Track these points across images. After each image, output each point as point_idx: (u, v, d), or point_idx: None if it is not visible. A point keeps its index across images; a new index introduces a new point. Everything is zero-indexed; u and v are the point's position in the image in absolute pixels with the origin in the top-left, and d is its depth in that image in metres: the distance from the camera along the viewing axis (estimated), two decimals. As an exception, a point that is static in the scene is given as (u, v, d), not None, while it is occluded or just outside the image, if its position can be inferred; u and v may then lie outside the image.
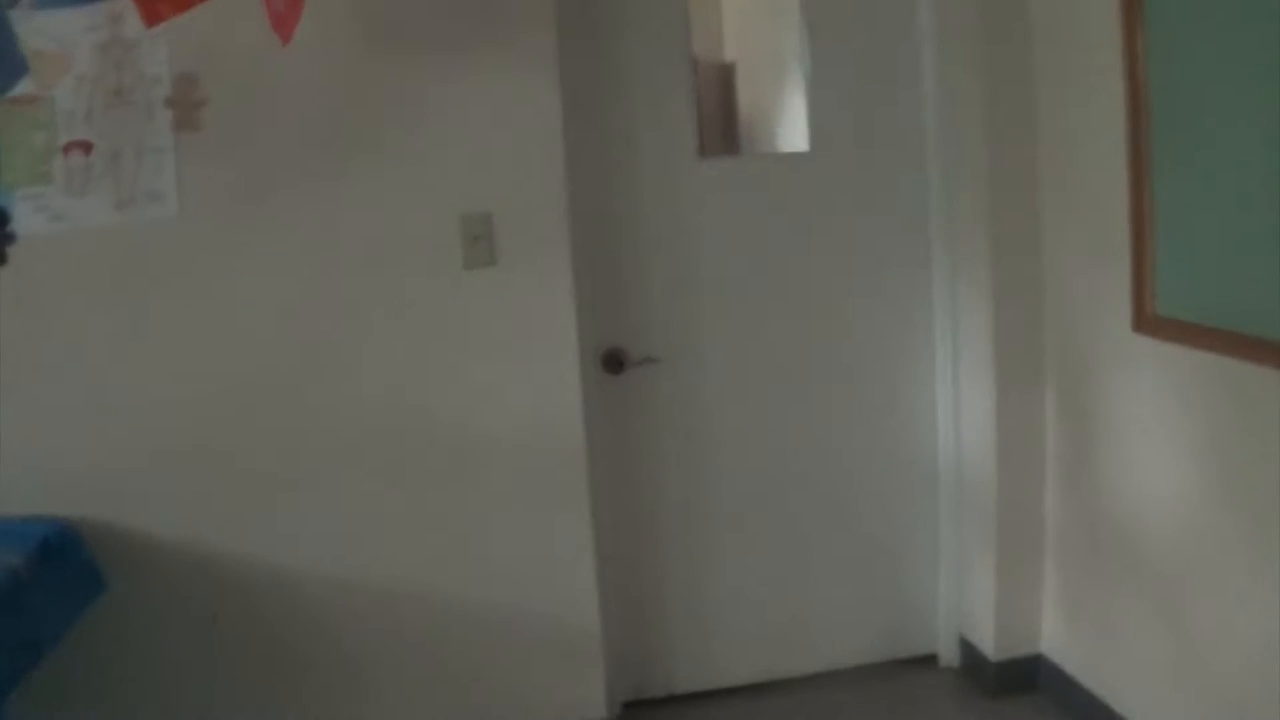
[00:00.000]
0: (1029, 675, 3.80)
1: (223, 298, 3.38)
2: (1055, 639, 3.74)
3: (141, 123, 3.28)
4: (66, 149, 3.26)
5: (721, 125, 3.90)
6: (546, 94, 3.42)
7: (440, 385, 3.50)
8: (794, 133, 3.86)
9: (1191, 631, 3.05)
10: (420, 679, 3.61)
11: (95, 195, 3.28)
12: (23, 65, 2.80)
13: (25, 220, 3.22)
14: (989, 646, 3.82)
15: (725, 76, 3.94)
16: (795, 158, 3.83)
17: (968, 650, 3.98)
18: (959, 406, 3.87)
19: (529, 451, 3.55)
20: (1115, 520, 3.36)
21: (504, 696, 3.66)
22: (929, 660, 4.09)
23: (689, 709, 3.92)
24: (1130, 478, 3.28)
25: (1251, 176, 2.62)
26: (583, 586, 3.65)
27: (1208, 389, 2.91)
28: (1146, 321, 3.09)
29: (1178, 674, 3.12)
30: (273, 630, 3.53)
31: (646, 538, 3.88)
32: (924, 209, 3.86)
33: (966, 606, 3.96)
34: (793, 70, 3.85)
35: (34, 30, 3.11)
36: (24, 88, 2.97)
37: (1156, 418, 3.13)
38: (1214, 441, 2.92)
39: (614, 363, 3.73)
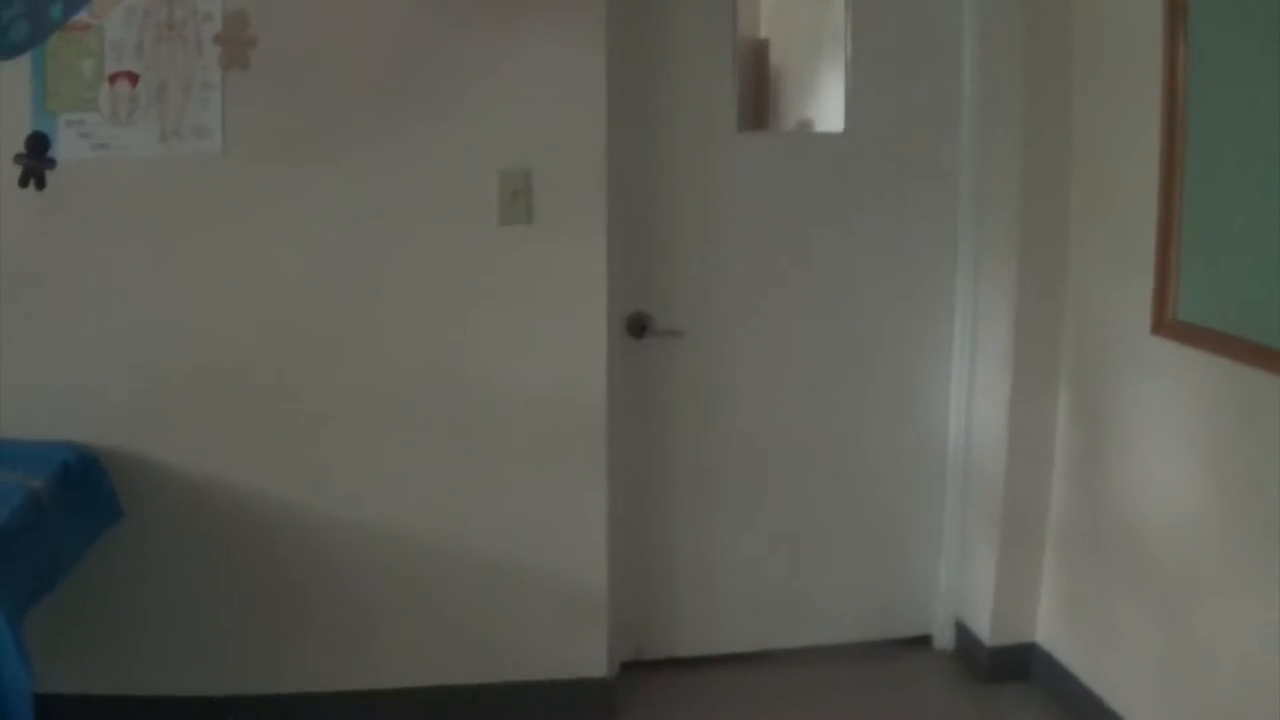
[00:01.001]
0: (1022, 663, 3.85)
1: (260, 237, 3.39)
2: (1051, 630, 3.80)
3: (190, 58, 3.28)
4: (113, 79, 3.26)
5: (754, 100, 3.93)
6: (593, 59, 3.42)
7: (468, 337, 3.52)
8: (828, 112, 3.89)
9: (1189, 633, 3.09)
10: (427, 626, 3.64)
11: (140, 126, 3.28)
12: (86, -7, 2.83)
13: (69, 147, 3.26)
14: (985, 632, 3.88)
15: (759, 52, 3.97)
16: (831, 138, 3.87)
17: (963, 634, 4.04)
18: (973, 396, 3.92)
19: (550, 409, 3.57)
20: (1119, 518, 3.40)
21: (508, 649, 3.69)
22: (924, 641, 4.16)
23: (686, 673, 3.98)
24: (1137, 477, 3.32)
25: (1282, 189, 2.66)
26: (592, 547, 3.67)
27: (1221, 394, 2.95)
28: (1166, 324, 3.12)
29: (1173, 674, 3.17)
30: (285, 569, 3.56)
31: (656, 502, 3.92)
32: (954, 199, 3.90)
33: (965, 591, 4.02)
34: (828, 50, 3.88)
35: (89, -43, 3.12)
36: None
37: (1168, 420, 3.17)
38: (1223, 446, 2.96)
39: (637, 327, 3.77)
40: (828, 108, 3.90)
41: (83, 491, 3.22)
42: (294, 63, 3.33)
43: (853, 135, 3.84)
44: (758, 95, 3.97)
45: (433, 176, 3.43)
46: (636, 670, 3.95)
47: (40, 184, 3.24)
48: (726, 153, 3.77)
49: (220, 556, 3.52)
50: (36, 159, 3.23)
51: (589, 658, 3.74)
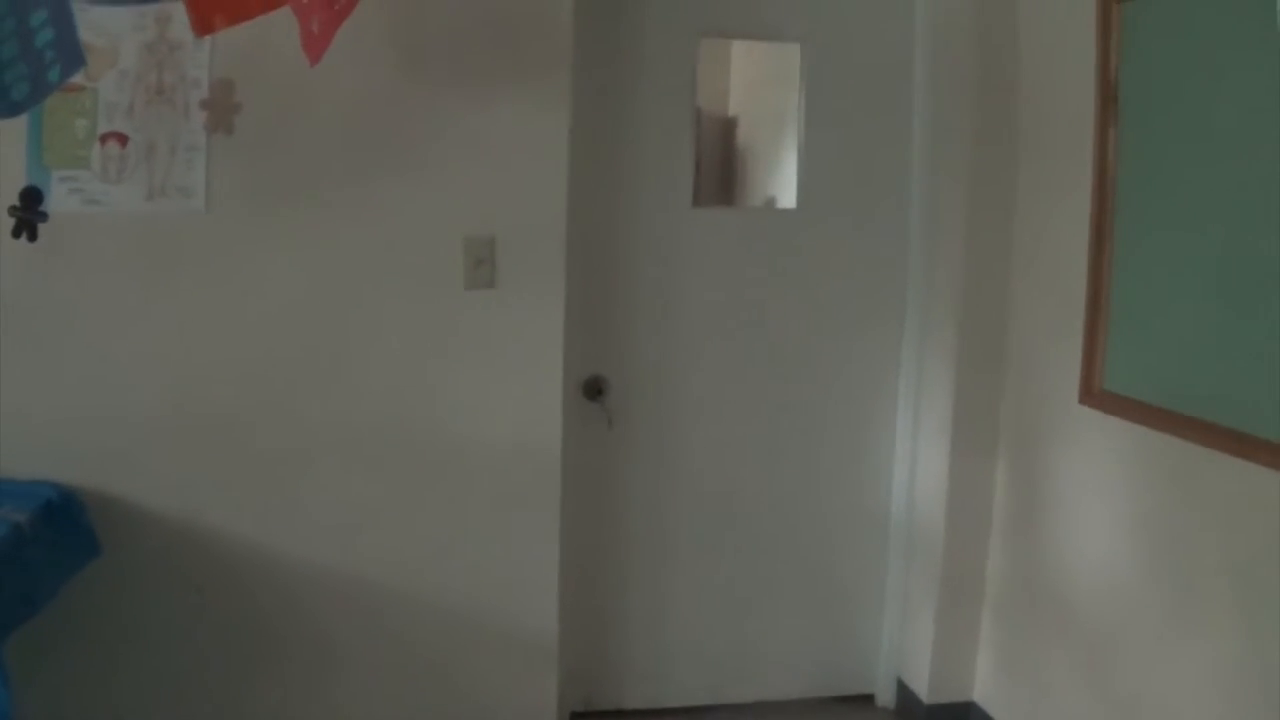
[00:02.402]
0: (959, 721, 3.97)
1: (238, 290, 3.54)
2: (988, 688, 3.90)
3: (178, 121, 3.44)
4: (104, 138, 3.43)
5: (720, 175, 4.11)
6: (557, 130, 3.60)
7: (433, 394, 3.66)
8: (788, 189, 4.05)
9: (1118, 691, 3.20)
10: (388, 667, 3.75)
11: (129, 184, 3.44)
12: (81, 57, 2.97)
13: (61, 201, 3.40)
14: (924, 690, 3.98)
15: (728, 129, 4.15)
16: (783, 214, 4.04)
17: (903, 693, 4.14)
18: (915, 462, 4.05)
19: (509, 465, 3.70)
20: (1052, 580, 3.52)
21: (463, 693, 3.79)
22: (866, 699, 4.25)
23: (633, 725, 4.08)
24: (1069, 540, 3.45)
25: (1202, 271, 2.83)
26: (545, 596, 3.78)
27: (1144, 462, 3.09)
28: (1093, 395, 3.27)
29: (1102, 730, 3.29)
30: (256, 606, 3.66)
31: (609, 557, 4.05)
32: (901, 275, 4.07)
33: (906, 650, 4.13)
34: (790, 130, 4.05)
35: (86, 24, 3.17)
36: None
37: (1096, 486, 3.31)
38: (1148, 511, 3.10)
39: (594, 390, 3.92)
40: (788, 185, 4.06)
41: (63, 527, 3.33)
42: (276, 129, 3.49)
43: (805, 211, 4.01)
44: (725, 171, 4.15)
45: (403, 239, 3.59)
46: (586, 720, 4.06)
47: (33, 236, 3.37)
48: (681, 226, 3.93)
49: (192, 592, 3.63)
50: (30, 212, 3.36)
51: (540, 705, 3.85)
